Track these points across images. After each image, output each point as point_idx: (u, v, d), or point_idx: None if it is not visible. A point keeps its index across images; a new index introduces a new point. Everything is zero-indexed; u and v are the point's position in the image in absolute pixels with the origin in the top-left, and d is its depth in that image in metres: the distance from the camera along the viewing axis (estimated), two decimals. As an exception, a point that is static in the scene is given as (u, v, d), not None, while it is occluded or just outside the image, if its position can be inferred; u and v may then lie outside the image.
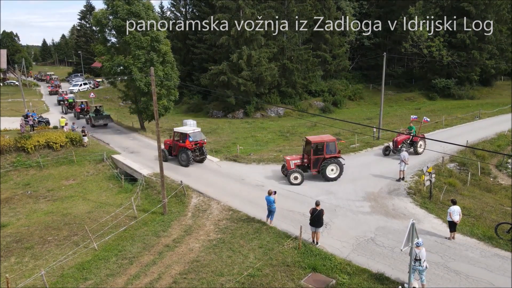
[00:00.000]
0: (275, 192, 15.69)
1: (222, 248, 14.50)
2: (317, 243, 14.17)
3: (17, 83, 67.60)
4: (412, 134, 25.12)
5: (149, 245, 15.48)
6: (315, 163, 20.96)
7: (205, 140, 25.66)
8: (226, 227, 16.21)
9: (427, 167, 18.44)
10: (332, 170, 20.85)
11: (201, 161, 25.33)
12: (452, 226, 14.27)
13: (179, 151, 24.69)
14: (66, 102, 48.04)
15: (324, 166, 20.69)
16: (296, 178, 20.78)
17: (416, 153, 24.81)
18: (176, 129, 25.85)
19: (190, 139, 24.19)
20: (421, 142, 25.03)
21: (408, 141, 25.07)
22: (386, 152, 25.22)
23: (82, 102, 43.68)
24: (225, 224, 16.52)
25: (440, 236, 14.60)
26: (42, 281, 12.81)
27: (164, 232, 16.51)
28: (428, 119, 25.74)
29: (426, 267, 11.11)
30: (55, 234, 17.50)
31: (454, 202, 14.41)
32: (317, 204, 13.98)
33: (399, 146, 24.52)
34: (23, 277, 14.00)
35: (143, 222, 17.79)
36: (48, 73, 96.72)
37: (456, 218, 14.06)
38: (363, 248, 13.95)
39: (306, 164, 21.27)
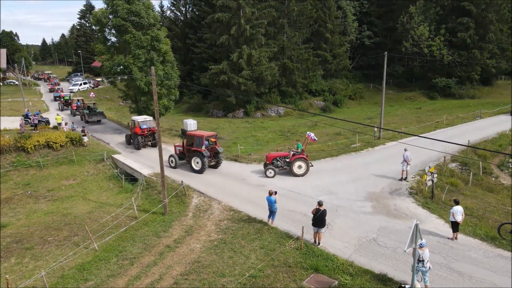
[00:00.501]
0: (275, 193, 15.60)
1: (223, 249, 14.42)
2: (319, 243, 14.09)
3: (16, 82, 67.57)
4: (293, 152, 22.23)
5: (150, 245, 15.40)
6: (188, 153, 23.44)
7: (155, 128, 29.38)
8: (227, 228, 16.14)
9: (429, 167, 18.35)
10: (197, 162, 22.90)
11: (154, 145, 29.47)
12: (455, 226, 14.20)
13: (134, 136, 29.41)
14: (62, 100, 49.40)
15: (190, 157, 23.16)
16: (172, 161, 24.23)
17: (293, 174, 21.88)
18: (133, 117, 30.33)
19: (142, 126, 28.82)
20: (300, 163, 21.81)
21: (287, 159, 22.26)
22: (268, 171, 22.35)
23: (78, 99, 44.97)
24: (226, 225, 16.44)
25: (442, 236, 14.52)
26: (42, 282, 12.74)
27: (165, 232, 16.43)
28: (316, 139, 21.86)
29: (429, 268, 11.04)
30: (55, 235, 17.43)
31: (457, 202, 14.34)
32: (320, 204, 13.88)
33: (269, 163, 22.22)
34: (23, 278, 13.94)
35: (143, 222, 17.71)
36: (45, 72, 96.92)
37: (459, 218, 14.00)
38: (365, 249, 13.87)
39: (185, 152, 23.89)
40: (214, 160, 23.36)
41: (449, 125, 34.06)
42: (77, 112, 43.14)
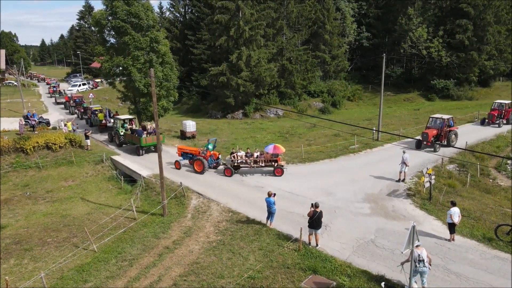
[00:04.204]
0: (274, 194, 15.69)
1: (222, 250, 14.49)
2: (317, 245, 14.15)
3: (15, 83, 67.63)
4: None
5: (149, 246, 15.46)
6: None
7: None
8: (226, 229, 16.20)
9: (427, 168, 18.45)
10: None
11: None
12: (452, 227, 14.27)
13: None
14: (50, 86, 67.01)
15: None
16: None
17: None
18: (67, 92, 57.26)
19: (68, 95, 52.01)
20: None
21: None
22: None
23: (54, 86, 62.93)
24: (225, 226, 16.51)
25: (440, 237, 14.61)
26: (41, 283, 12.78)
27: (164, 233, 16.49)
28: None
29: (428, 268, 11.09)
30: (54, 236, 17.46)
31: (454, 204, 14.41)
32: (317, 206, 13.97)
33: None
34: (23, 279, 13.98)
35: (142, 223, 17.76)
36: (30, 71, 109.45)
37: (456, 219, 14.06)
38: (363, 250, 13.95)
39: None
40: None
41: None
42: (52, 95, 59.67)
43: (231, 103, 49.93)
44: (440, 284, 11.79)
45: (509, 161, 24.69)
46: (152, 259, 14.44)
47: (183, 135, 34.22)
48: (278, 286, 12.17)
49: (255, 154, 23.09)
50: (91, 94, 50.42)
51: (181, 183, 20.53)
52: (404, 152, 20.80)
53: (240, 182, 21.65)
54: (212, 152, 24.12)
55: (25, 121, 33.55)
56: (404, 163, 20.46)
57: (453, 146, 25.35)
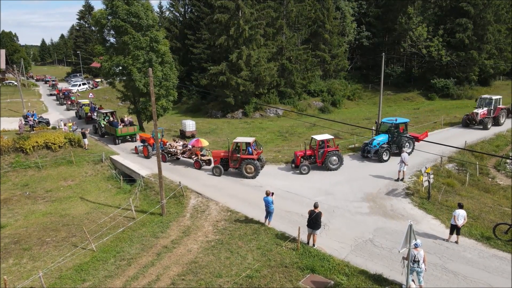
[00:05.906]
0: (272, 193, 15.70)
1: (220, 249, 14.50)
2: (314, 245, 14.15)
3: (15, 83, 67.68)
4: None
5: (148, 246, 15.48)
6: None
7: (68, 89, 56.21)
8: (225, 228, 16.22)
9: (426, 167, 18.43)
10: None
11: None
12: (454, 229, 14.11)
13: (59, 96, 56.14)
14: (50, 82, 75.90)
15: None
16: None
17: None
18: (59, 87, 60.40)
19: (59, 89, 55.67)
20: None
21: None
22: None
23: (53, 80, 73.45)
24: (224, 225, 16.52)
25: (438, 237, 14.60)
26: (40, 283, 12.80)
27: (162, 233, 16.50)
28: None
29: (424, 268, 11.11)
30: (53, 235, 17.48)
31: (461, 206, 14.23)
32: (316, 206, 13.98)
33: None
34: (21, 278, 13.99)
35: (141, 223, 17.78)
36: (31, 71, 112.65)
37: (460, 222, 13.94)
38: (362, 249, 13.96)
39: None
40: None
41: (446, 126, 34.14)
42: (49, 88, 67.64)
43: (231, 103, 49.92)
44: (437, 283, 11.80)
45: (508, 160, 24.68)
46: (150, 259, 14.45)
47: (182, 135, 34.22)
48: (276, 285, 12.18)
49: (189, 146, 25.49)
50: (91, 94, 50.51)
51: (180, 182, 20.55)
52: (403, 151, 20.81)
53: (239, 182, 21.67)
54: (161, 139, 26.38)
55: (24, 121, 33.57)
56: (403, 162, 20.46)
57: (332, 170, 22.67)
